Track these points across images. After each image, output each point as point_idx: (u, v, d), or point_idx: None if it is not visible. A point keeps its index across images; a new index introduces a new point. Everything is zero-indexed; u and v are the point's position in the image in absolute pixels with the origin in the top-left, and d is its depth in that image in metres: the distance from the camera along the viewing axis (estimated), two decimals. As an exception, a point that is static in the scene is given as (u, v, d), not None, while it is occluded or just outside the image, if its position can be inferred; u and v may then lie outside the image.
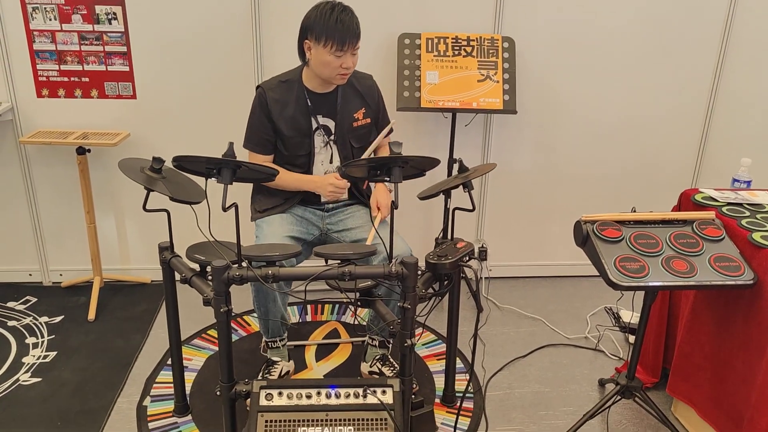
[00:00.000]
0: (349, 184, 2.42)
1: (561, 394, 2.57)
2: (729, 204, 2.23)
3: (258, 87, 2.44)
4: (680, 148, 3.32)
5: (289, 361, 2.57)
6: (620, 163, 3.32)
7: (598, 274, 1.96)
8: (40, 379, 2.56)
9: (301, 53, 2.36)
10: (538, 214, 3.38)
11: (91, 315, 2.98)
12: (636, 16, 3.06)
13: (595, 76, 3.14)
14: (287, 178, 2.44)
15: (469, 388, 2.54)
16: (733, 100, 3.25)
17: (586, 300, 3.26)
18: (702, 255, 1.99)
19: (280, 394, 1.93)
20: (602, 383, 2.62)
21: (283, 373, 2.52)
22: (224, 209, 1.78)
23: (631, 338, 2.89)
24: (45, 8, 2.83)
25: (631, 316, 2.97)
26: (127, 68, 2.95)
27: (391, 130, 2.59)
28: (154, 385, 2.55)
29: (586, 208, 3.33)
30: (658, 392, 2.52)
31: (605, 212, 2.14)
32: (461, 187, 2.19)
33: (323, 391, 1.94)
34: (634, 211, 2.14)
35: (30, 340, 2.81)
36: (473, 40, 2.90)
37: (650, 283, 1.91)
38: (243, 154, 2.46)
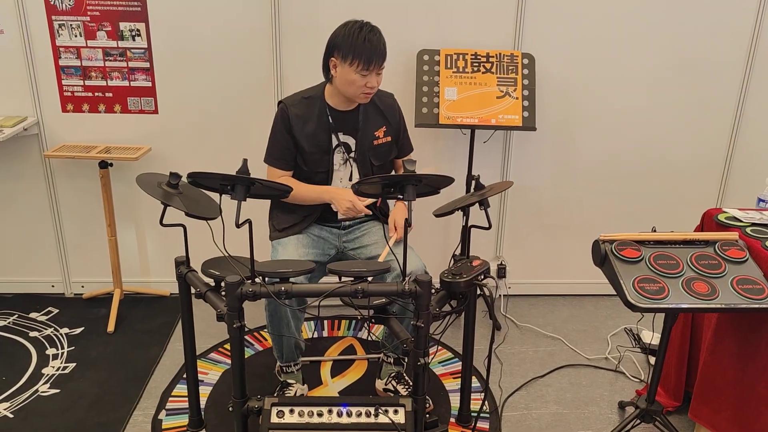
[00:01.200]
0: (365, 209, 2.37)
1: (579, 416, 2.52)
2: (753, 225, 2.18)
3: (280, 102, 2.45)
4: (704, 167, 3.26)
5: (303, 384, 2.55)
6: (642, 181, 3.27)
7: (617, 294, 1.93)
8: (58, 390, 2.59)
9: (326, 70, 2.37)
10: (558, 231, 3.34)
11: (111, 327, 3.01)
12: (658, 32, 3.02)
13: (616, 92, 3.10)
14: (306, 190, 2.42)
15: (484, 407, 2.51)
16: (761, 117, 3.18)
17: (607, 320, 3.20)
18: (724, 277, 1.94)
19: (291, 411, 1.92)
20: (622, 406, 2.57)
21: (297, 396, 2.50)
22: (237, 226, 1.79)
23: (653, 359, 2.82)
24: (71, 25, 2.89)
25: (651, 336, 2.90)
26: (149, 84, 3.00)
27: (410, 146, 2.60)
28: (170, 399, 2.56)
29: (606, 226, 3.28)
30: (681, 416, 2.46)
31: (627, 231, 2.10)
32: (477, 204, 2.17)
33: (335, 410, 1.93)
34: (655, 231, 2.10)
35: (50, 351, 2.84)
36: (492, 57, 2.89)
37: (670, 306, 1.87)
38: (262, 167, 2.48)
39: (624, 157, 3.22)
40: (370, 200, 2.36)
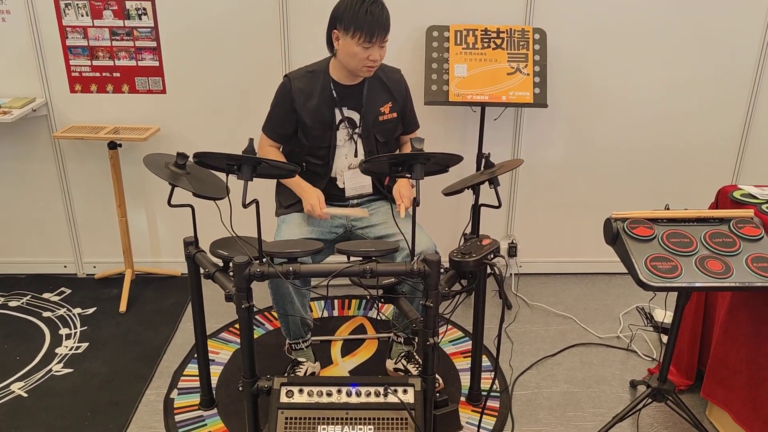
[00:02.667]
0: (328, 217, 2.38)
1: (590, 395, 2.51)
2: (769, 201, 2.14)
3: (285, 76, 2.43)
4: (720, 143, 3.20)
5: (315, 362, 2.56)
6: (656, 158, 3.21)
7: (629, 272, 1.90)
8: (72, 370, 2.62)
9: (330, 44, 2.34)
10: (569, 209, 3.31)
11: (123, 307, 3.03)
12: (673, 7, 2.95)
13: (629, 67, 3.04)
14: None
15: (494, 386, 2.50)
16: (777, 92, 3.11)
17: (619, 298, 3.18)
18: (739, 255, 1.91)
19: (300, 391, 1.93)
20: (634, 385, 2.55)
21: (308, 374, 2.51)
22: (244, 206, 1.78)
23: (665, 338, 2.80)
24: (77, 5, 2.87)
25: (664, 315, 2.88)
26: (157, 63, 2.98)
27: (416, 123, 2.57)
28: (182, 378, 2.58)
29: (619, 204, 3.23)
30: (693, 395, 2.44)
31: (640, 209, 2.07)
32: (487, 183, 2.14)
33: (344, 390, 1.93)
34: (668, 209, 2.07)
35: (63, 331, 2.87)
36: (503, 32, 2.84)
37: (682, 284, 1.84)
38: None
39: (637, 133, 3.17)
40: (335, 210, 2.40)
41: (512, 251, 3.30)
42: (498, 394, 2.49)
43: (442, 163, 1.93)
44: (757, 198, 2.16)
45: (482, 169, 2.24)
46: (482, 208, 2.28)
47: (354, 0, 2.22)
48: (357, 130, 2.43)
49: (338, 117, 2.40)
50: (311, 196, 2.36)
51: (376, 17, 2.20)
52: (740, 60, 3.06)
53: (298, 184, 2.41)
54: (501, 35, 2.84)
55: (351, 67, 2.31)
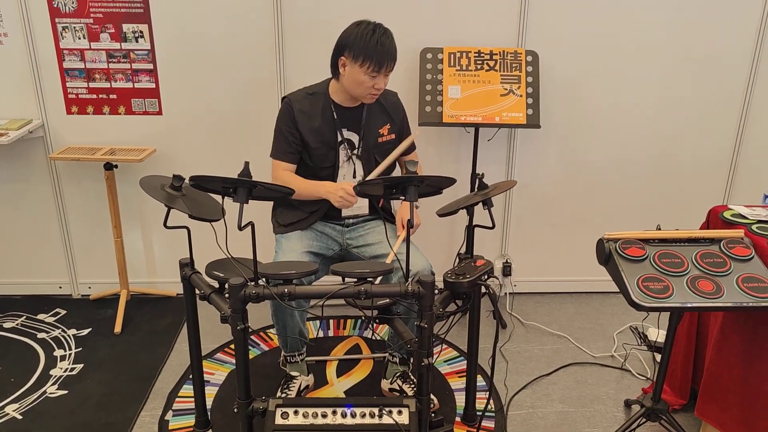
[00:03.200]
0: (357, 199, 2.37)
1: (585, 414, 2.51)
2: (759, 222, 2.16)
3: (284, 98, 2.46)
4: (711, 163, 3.23)
5: (308, 375, 2.57)
6: (648, 178, 3.25)
7: (621, 293, 1.92)
8: (66, 392, 2.61)
9: (334, 67, 2.37)
10: (563, 228, 3.33)
11: (118, 328, 3.03)
12: (663, 26, 3.00)
13: (621, 88, 3.09)
14: (301, 186, 2.41)
15: (489, 406, 2.51)
16: (767, 112, 3.15)
17: (613, 317, 3.19)
18: (729, 275, 1.93)
19: (296, 412, 1.93)
20: (628, 404, 2.56)
21: (302, 388, 2.52)
22: (240, 228, 1.79)
23: (659, 357, 2.81)
24: (74, 27, 2.90)
25: (657, 334, 2.89)
26: (153, 85, 3.00)
27: (413, 145, 2.59)
28: (177, 399, 2.57)
29: (612, 224, 3.26)
30: (687, 414, 2.45)
31: (633, 228, 2.09)
32: (480, 204, 2.16)
33: (339, 411, 1.93)
34: (659, 229, 2.09)
35: (58, 353, 2.86)
36: (496, 54, 2.88)
37: (674, 305, 1.86)
38: (268, 168, 2.47)
39: (630, 154, 3.20)
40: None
41: (507, 270, 3.32)
42: (493, 414, 2.49)
43: (436, 185, 1.96)
44: (748, 218, 2.19)
45: (476, 190, 2.27)
46: (476, 228, 2.29)
47: (365, 29, 2.26)
48: (356, 152, 2.46)
49: (339, 138, 2.43)
50: (336, 189, 2.33)
51: (386, 48, 2.24)
52: (730, 80, 3.11)
53: (319, 185, 2.40)
54: (494, 57, 2.88)
55: (355, 94, 2.34)
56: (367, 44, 2.23)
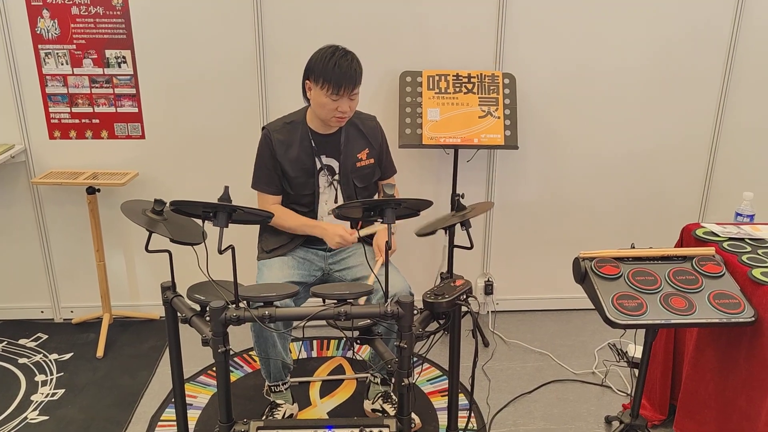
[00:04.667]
0: (357, 239, 2.42)
1: (566, 431, 2.53)
2: (730, 239, 2.22)
3: (263, 128, 2.49)
4: (686, 182, 3.31)
5: (293, 403, 2.57)
6: (625, 197, 3.31)
7: (598, 310, 1.96)
8: (47, 417, 2.59)
9: (304, 93, 2.42)
10: (544, 247, 3.38)
11: (100, 352, 3.02)
12: (637, 50, 3.08)
13: (596, 110, 3.16)
14: (296, 222, 2.46)
15: (471, 425, 2.52)
16: (739, 132, 3.24)
17: (594, 334, 3.23)
18: (701, 292, 1.97)
19: (277, 434, 1.94)
20: (609, 420, 2.59)
21: (286, 416, 2.51)
22: (220, 252, 1.81)
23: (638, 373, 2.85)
24: (57, 53, 2.92)
25: (635, 350, 2.92)
26: (136, 109, 3.03)
27: (393, 169, 2.64)
28: (159, 423, 2.57)
29: (592, 241, 3.32)
30: (667, 429, 2.48)
31: (612, 246, 2.13)
32: (459, 225, 2.20)
33: (320, 432, 1.94)
34: (633, 248, 2.14)
35: (39, 378, 2.85)
36: (474, 77, 2.94)
37: (647, 321, 1.90)
38: (248, 190, 2.50)
39: (606, 173, 3.27)
40: (363, 231, 2.42)
41: (489, 289, 3.35)
42: (475, 433, 2.51)
43: (413, 207, 1.99)
44: (719, 236, 2.24)
45: (455, 210, 2.30)
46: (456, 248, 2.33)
47: (324, 52, 2.31)
48: (336, 177, 2.49)
49: (318, 165, 2.46)
50: (335, 229, 2.39)
51: (343, 70, 2.27)
52: (703, 101, 3.19)
53: (313, 224, 2.45)
54: (472, 80, 2.94)
55: (321, 117, 2.38)
56: (325, 67, 2.27)
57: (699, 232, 2.28)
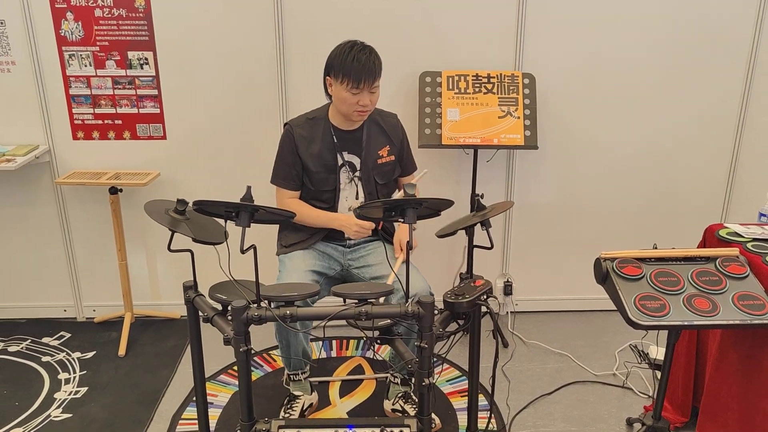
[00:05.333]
0: (373, 225, 2.44)
1: (587, 433, 2.52)
2: (754, 240, 2.19)
3: (286, 124, 2.51)
4: (708, 181, 3.27)
5: (312, 393, 2.58)
6: (645, 197, 3.28)
7: (620, 311, 1.94)
8: (71, 415, 2.62)
9: (326, 89, 2.43)
10: (563, 247, 3.36)
11: (122, 351, 3.05)
12: (657, 47, 3.05)
13: (617, 108, 3.13)
14: (313, 215, 2.49)
15: (491, 426, 2.51)
16: (763, 130, 3.20)
17: (615, 335, 3.20)
18: (725, 293, 1.95)
19: (298, 433, 1.95)
20: (630, 422, 2.57)
21: (305, 407, 2.53)
22: (242, 251, 1.82)
23: (660, 375, 2.82)
24: (81, 55, 2.96)
25: (657, 351, 2.90)
26: (157, 110, 3.06)
27: (413, 166, 2.65)
28: (180, 422, 2.59)
29: (611, 242, 3.29)
30: (689, 432, 2.46)
31: (632, 246, 2.12)
32: (479, 225, 2.19)
33: (341, 431, 1.94)
34: (655, 248, 2.12)
35: (63, 376, 2.89)
36: (493, 77, 2.93)
37: (671, 323, 1.88)
38: (270, 190, 2.52)
39: (627, 174, 3.24)
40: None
41: (508, 290, 3.34)
42: (495, 434, 2.50)
43: (434, 207, 1.99)
44: (743, 236, 2.22)
45: (475, 210, 2.30)
46: (476, 248, 2.32)
47: (344, 47, 2.33)
48: (357, 174, 2.50)
49: (339, 161, 2.48)
50: (351, 219, 2.41)
51: (362, 64, 2.29)
52: (725, 99, 3.15)
53: (332, 217, 2.47)
54: (492, 80, 2.93)
55: (343, 112, 2.40)
56: (344, 61, 2.30)
57: (722, 233, 2.26)
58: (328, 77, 2.38)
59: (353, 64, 2.28)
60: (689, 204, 3.30)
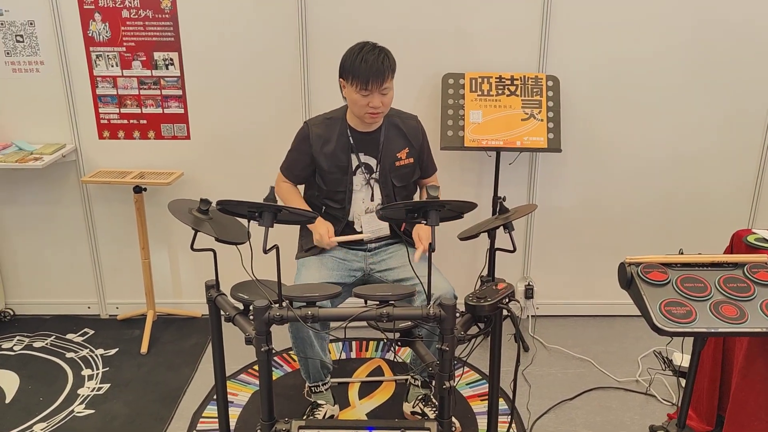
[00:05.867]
0: (335, 244, 2.44)
1: (609, 440, 2.49)
2: (784, 246, 2.15)
3: (305, 122, 2.52)
4: (735, 185, 3.21)
5: (334, 404, 2.58)
6: (669, 202, 3.24)
7: (645, 316, 1.91)
8: (93, 411, 2.65)
9: (342, 92, 2.43)
10: (586, 251, 3.32)
11: (144, 348, 3.08)
12: (683, 49, 3.01)
13: (642, 111, 3.10)
14: (295, 203, 2.50)
15: (511, 430, 2.49)
16: (792, 135, 3.14)
17: (637, 341, 3.16)
18: (753, 300, 1.91)
19: (318, 434, 1.94)
20: (653, 430, 2.51)
21: (327, 416, 2.52)
22: (265, 251, 1.83)
23: (684, 382, 2.77)
24: (107, 55, 3.00)
25: (682, 358, 2.86)
26: (182, 111, 3.09)
27: (433, 167, 2.64)
28: (201, 420, 2.61)
29: (635, 247, 3.25)
30: (713, 441, 2.42)
31: (656, 252, 2.09)
32: (502, 227, 2.18)
33: (361, 433, 1.94)
34: (681, 253, 2.09)
35: (86, 372, 2.92)
36: (517, 80, 2.91)
37: (697, 329, 1.84)
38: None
39: (651, 177, 3.20)
40: (341, 238, 2.45)
41: (529, 293, 3.32)
42: (515, 439, 2.48)
43: (457, 209, 1.98)
44: (772, 242, 2.17)
45: (497, 213, 2.28)
46: (497, 251, 2.30)
47: (353, 49, 2.34)
48: (374, 176, 2.50)
49: (355, 162, 2.47)
50: (320, 227, 2.42)
51: (370, 65, 2.28)
52: (752, 103, 3.10)
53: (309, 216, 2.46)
54: (515, 82, 2.91)
55: (356, 113, 2.40)
56: (353, 63, 2.30)
57: (750, 239, 2.22)
58: (341, 79, 2.39)
59: (361, 65, 2.28)
60: (716, 209, 3.24)
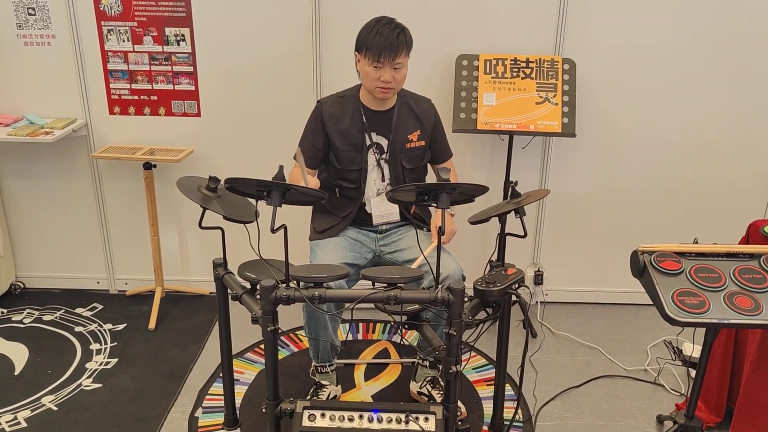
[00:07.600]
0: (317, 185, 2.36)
1: (615, 428, 2.47)
2: (801, 237, 2.11)
3: (318, 102, 2.50)
4: (752, 175, 3.15)
5: (337, 385, 2.58)
6: (685, 190, 3.18)
7: (655, 306, 1.89)
8: (101, 385, 2.67)
9: (357, 66, 2.41)
10: (597, 238, 3.29)
11: (152, 324, 3.09)
12: (702, 35, 2.94)
13: (659, 98, 3.03)
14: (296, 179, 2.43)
15: (517, 416, 2.48)
16: (813, 125, 3.07)
17: (647, 330, 3.13)
18: (768, 292, 1.88)
19: (323, 415, 1.94)
20: (661, 420, 2.51)
21: (330, 397, 2.53)
22: (273, 231, 1.81)
23: (693, 373, 2.75)
24: (119, 30, 2.97)
25: (692, 348, 2.83)
26: (193, 87, 3.06)
27: (448, 152, 2.60)
28: (207, 397, 2.61)
29: (648, 235, 3.21)
30: (721, 432, 2.40)
31: (669, 241, 2.05)
32: (513, 212, 2.15)
33: (366, 415, 1.94)
34: (696, 243, 2.05)
35: (94, 346, 2.94)
36: (532, 62, 2.86)
37: (710, 320, 1.82)
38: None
39: (666, 165, 3.15)
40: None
41: (538, 279, 3.29)
42: (521, 425, 2.47)
43: (468, 193, 1.95)
44: (789, 234, 2.13)
45: (509, 198, 2.25)
46: (508, 236, 2.28)
47: (370, 22, 2.32)
48: (384, 156, 2.47)
49: (368, 141, 2.45)
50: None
51: (384, 37, 2.26)
52: (773, 92, 3.03)
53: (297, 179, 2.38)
54: (530, 65, 2.86)
55: (367, 87, 2.38)
56: (368, 35, 2.29)
57: (767, 229, 2.17)
58: (356, 53, 2.37)
59: (376, 37, 2.27)
60: (732, 198, 3.19)
